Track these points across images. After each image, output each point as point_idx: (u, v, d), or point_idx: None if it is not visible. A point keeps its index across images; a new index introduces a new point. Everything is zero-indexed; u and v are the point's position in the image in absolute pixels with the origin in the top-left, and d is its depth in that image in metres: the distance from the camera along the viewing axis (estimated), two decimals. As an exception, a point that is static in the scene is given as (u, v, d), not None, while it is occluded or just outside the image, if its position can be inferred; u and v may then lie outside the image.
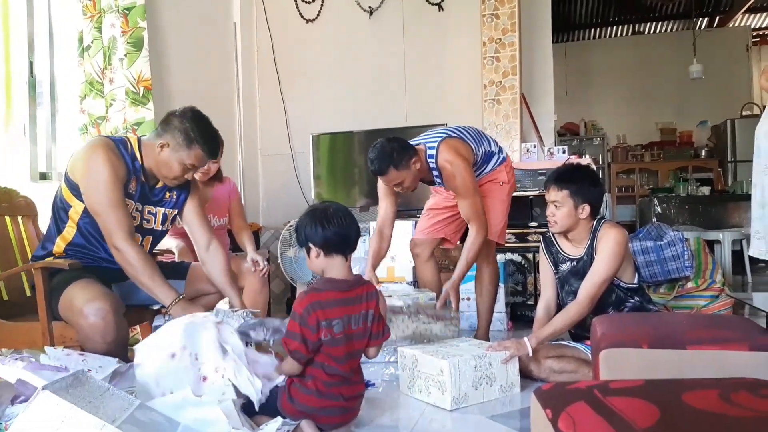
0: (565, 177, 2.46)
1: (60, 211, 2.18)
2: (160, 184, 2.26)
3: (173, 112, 2.18)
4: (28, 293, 2.30)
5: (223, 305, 2.06)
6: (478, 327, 2.99)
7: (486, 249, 2.89)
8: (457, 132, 2.78)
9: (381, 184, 2.83)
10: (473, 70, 4.46)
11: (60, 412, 1.31)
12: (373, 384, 2.43)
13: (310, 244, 1.79)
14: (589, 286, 2.36)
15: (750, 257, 4.52)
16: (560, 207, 2.44)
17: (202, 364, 1.75)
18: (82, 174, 2.08)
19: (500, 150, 2.92)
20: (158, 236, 2.34)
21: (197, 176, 3.03)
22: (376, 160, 2.59)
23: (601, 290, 2.36)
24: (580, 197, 2.41)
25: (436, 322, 2.68)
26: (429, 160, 2.70)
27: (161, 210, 2.28)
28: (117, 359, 1.83)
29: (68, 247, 2.17)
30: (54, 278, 2.06)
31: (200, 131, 2.13)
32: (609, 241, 2.38)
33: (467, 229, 3.06)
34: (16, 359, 1.64)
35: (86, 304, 1.92)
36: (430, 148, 2.71)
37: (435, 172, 2.73)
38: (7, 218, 2.38)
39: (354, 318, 1.78)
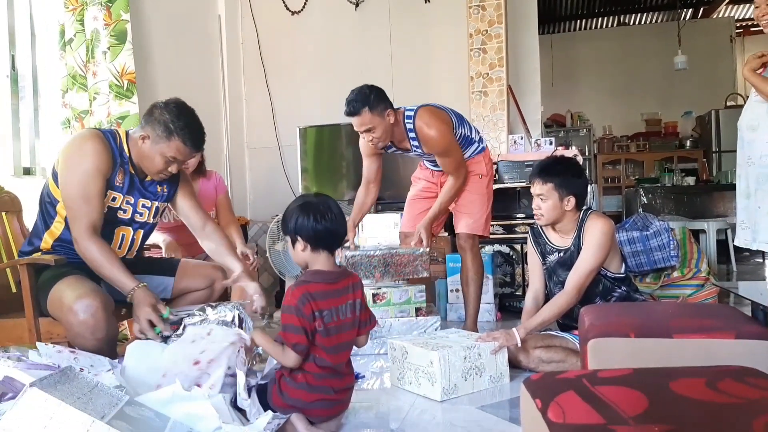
0: (549, 170, 2.47)
1: (47, 205, 2.15)
2: (149, 177, 2.22)
3: (156, 104, 2.14)
4: (14, 289, 2.27)
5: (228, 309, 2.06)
6: (465, 318, 3.00)
7: (469, 242, 2.91)
8: (439, 106, 2.85)
9: (363, 146, 2.91)
10: (460, 61, 4.45)
11: (48, 409, 1.30)
12: (363, 376, 2.43)
13: (298, 237, 1.78)
14: (576, 277, 2.38)
15: (735, 246, 4.57)
16: (545, 200, 2.45)
17: (206, 374, 1.75)
18: (65, 163, 2.05)
19: (481, 139, 2.95)
20: (149, 230, 2.31)
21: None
22: (353, 100, 2.65)
23: (588, 280, 2.39)
24: (565, 189, 2.43)
25: (408, 261, 2.82)
26: (407, 121, 2.75)
27: (155, 203, 2.26)
28: (108, 359, 1.82)
29: (56, 242, 2.14)
30: (41, 274, 2.03)
31: (180, 123, 2.07)
32: (595, 231, 2.40)
33: (450, 220, 3.09)
34: (4, 357, 1.62)
35: (76, 301, 1.90)
36: (408, 110, 2.77)
37: (412, 134, 2.75)
38: (-9, 214, 2.36)
39: (342, 309, 1.78)
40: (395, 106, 2.78)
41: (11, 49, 3.01)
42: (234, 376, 1.77)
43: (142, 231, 2.27)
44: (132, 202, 2.19)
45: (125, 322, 2.71)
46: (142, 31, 3.62)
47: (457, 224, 2.94)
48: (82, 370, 1.65)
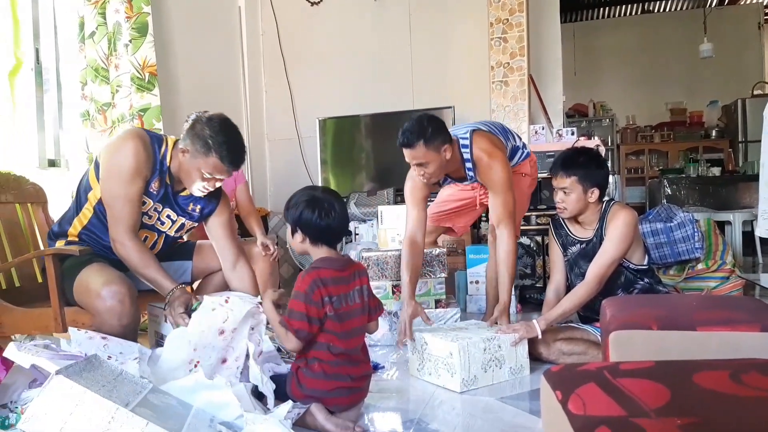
0: (571, 162, 2.44)
1: (82, 192, 2.18)
2: (185, 193, 2.21)
3: (200, 118, 2.09)
4: (40, 279, 2.32)
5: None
6: (486, 310, 2.98)
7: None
8: (487, 126, 2.68)
9: (410, 189, 2.67)
10: (480, 51, 4.42)
11: (74, 396, 1.33)
12: (383, 367, 2.44)
13: (299, 228, 1.81)
14: (597, 267, 2.35)
15: (761, 238, 4.49)
16: (569, 193, 2.43)
17: (231, 347, 1.79)
18: (106, 160, 2.08)
19: (524, 145, 2.89)
20: (170, 240, 2.32)
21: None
22: (408, 131, 2.40)
23: (609, 271, 2.36)
24: (588, 181, 2.41)
25: (426, 261, 2.76)
26: (463, 150, 2.55)
27: (181, 219, 2.25)
28: (139, 347, 1.85)
29: (83, 231, 2.17)
30: (65, 262, 2.07)
31: (220, 139, 2.02)
32: (618, 222, 2.37)
33: (477, 221, 3.03)
34: (34, 346, 1.65)
35: (103, 287, 1.93)
36: (463, 139, 2.56)
37: (468, 164, 2.57)
38: (17, 205, 2.40)
39: (350, 295, 1.81)
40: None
41: (35, 43, 3.06)
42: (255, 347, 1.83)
43: (164, 236, 2.28)
44: (159, 209, 2.20)
45: (146, 313, 2.75)
46: (163, 24, 3.65)
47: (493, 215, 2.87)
48: (110, 357, 1.68)
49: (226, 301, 1.78)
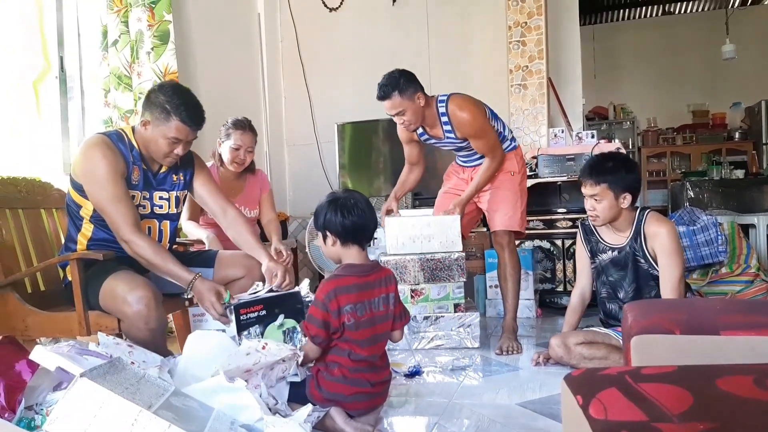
0: (600, 169, 2.37)
1: (73, 211, 2.23)
2: (164, 169, 2.27)
3: (152, 89, 2.18)
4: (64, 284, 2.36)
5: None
6: (504, 314, 2.97)
7: (506, 238, 2.88)
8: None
9: (399, 131, 2.95)
10: (499, 55, 4.41)
11: (98, 399, 1.34)
12: (422, 372, 2.44)
13: (328, 232, 1.83)
14: (670, 291, 2.32)
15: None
16: (600, 200, 2.37)
17: (255, 374, 1.79)
18: (82, 174, 2.13)
19: (513, 138, 2.93)
20: (174, 219, 2.36)
21: (232, 168, 3.06)
22: (383, 85, 2.70)
23: (683, 286, 2.34)
24: (619, 187, 2.35)
25: (444, 265, 2.93)
26: (439, 105, 2.76)
27: (173, 194, 2.31)
28: (161, 358, 1.87)
29: (90, 243, 2.21)
30: (89, 269, 2.10)
31: (176, 102, 2.09)
32: (665, 239, 2.33)
33: (480, 222, 3.08)
34: (56, 347, 1.68)
35: (129, 292, 1.97)
36: (441, 96, 2.80)
37: (444, 119, 2.76)
38: (42, 211, 2.45)
39: (375, 302, 1.82)
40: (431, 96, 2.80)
41: (60, 51, 3.12)
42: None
43: (168, 222, 2.32)
44: (148, 197, 2.25)
45: (170, 315, 2.78)
46: (184, 31, 3.70)
47: (492, 222, 2.92)
48: (133, 363, 1.71)
49: (263, 348, 1.77)
